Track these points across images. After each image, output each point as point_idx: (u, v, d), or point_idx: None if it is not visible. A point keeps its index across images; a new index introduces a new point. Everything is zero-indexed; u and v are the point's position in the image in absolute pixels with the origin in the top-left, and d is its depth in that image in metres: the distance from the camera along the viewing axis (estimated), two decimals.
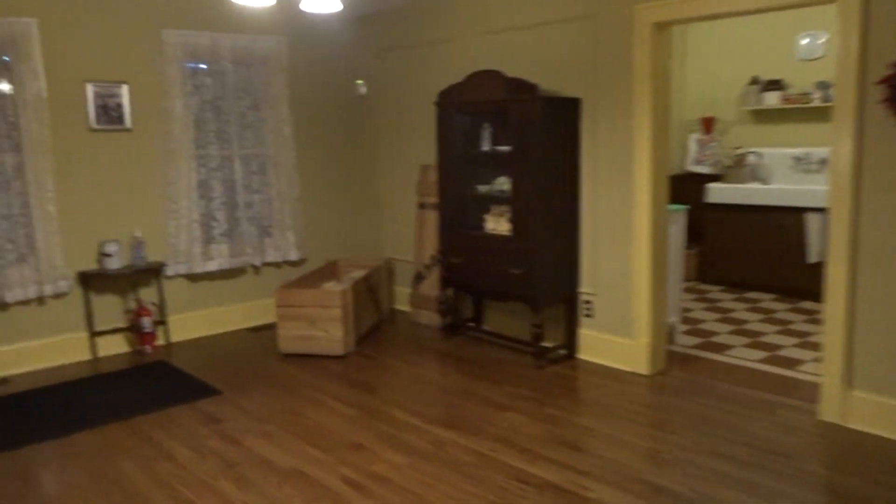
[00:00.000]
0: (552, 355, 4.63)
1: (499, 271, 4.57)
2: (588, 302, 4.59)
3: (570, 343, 4.66)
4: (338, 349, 4.74)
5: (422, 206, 5.61)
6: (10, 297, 4.42)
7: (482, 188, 4.83)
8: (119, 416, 3.80)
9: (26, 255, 4.52)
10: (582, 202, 4.55)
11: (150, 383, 4.33)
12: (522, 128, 4.31)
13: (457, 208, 4.86)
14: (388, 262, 5.87)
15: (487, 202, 4.83)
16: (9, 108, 4.41)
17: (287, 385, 4.26)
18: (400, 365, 4.60)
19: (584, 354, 4.65)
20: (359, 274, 5.52)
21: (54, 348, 4.68)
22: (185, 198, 5.10)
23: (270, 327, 5.51)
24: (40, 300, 4.61)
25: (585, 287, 4.60)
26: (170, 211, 5.08)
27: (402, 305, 6.06)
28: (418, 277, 5.63)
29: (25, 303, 4.56)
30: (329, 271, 5.75)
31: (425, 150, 5.68)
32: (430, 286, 5.53)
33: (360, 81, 6.03)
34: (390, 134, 6.07)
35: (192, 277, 5.28)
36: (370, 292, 5.37)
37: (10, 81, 4.39)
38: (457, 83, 4.73)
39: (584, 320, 4.63)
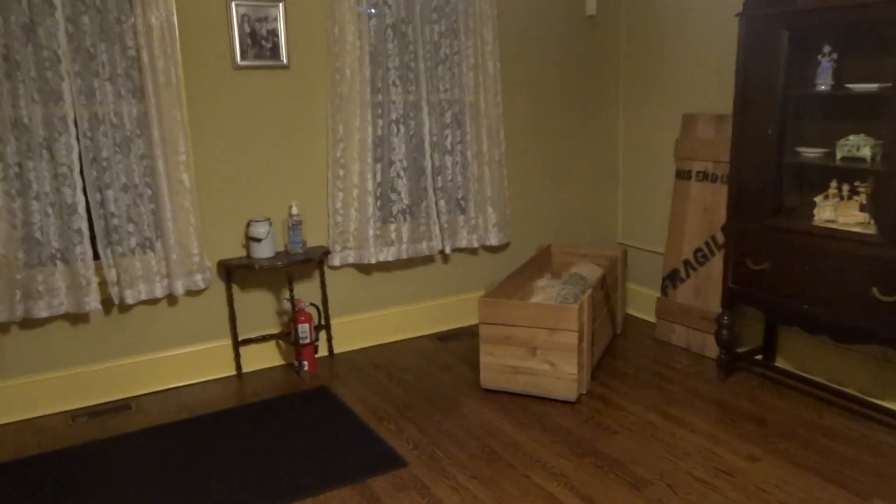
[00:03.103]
0: None
1: (845, 293, 2.77)
2: None
3: None
4: (569, 392, 3.20)
5: (682, 174, 3.87)
6: (130, 296, 3.28)
7: (811, 153, 3.00)
8: None
9: (152, 239, 3.35)
10: None
11: (305, 432, 3.03)
12: None
13: (760, 183, 3.08)
14: (623, 252, 4.20)
15: (821, 176, 3.01)
16: (128, 37, 3.19)
17: (498, 455, 2.78)
18: (667, 427, 2.97)
19: None
20: (586, 270, 3.90)
21: (189, 361, 3.54)
22: (357, 161, 3.72)
23: (463, 334, 4.09)
24: (170, 299, 3.46)
25: None
26: (337, 179, 3.73)
27: (637, 311, 4.40)
28: (673, 278, 3.93)
29: (151, 303, 3.42)
30: (541, 263, 4.19)
31: (691, 92, 3.90)
32: (691, 293, 3.81)
33: None
34: (634, 70, 4.32)
35: (364, 268, 3.94)
36: (605, 300, 3.76)
37: (130, 2, 3.16)
38: None
39: None
